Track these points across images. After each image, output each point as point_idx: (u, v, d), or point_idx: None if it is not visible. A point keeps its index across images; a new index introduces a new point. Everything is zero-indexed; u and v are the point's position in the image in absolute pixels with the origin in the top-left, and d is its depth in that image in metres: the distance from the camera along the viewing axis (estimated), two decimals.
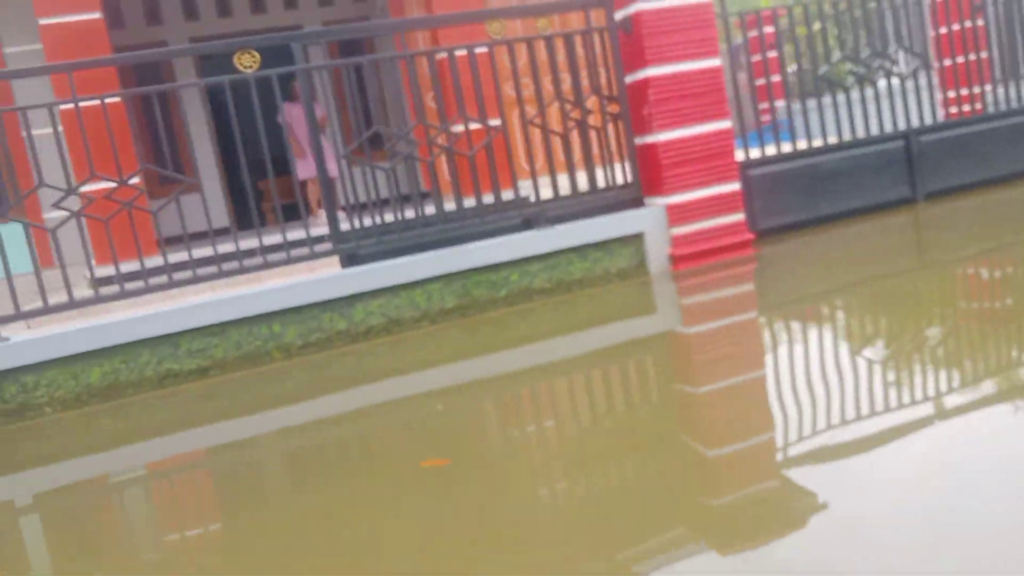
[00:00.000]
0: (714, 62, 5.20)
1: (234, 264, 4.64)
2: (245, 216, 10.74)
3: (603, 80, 5.32)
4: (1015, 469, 2.04)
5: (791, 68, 8.50)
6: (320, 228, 6.45)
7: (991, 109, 6.78)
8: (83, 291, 6.24)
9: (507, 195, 5.39)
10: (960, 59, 6.78)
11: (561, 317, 4.81)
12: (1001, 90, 6.83)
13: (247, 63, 4.34)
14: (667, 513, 2.18)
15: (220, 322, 4.48)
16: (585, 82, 5.32)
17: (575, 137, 5.23)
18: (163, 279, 4.56)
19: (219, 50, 4.46)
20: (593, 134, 5.28)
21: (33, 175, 8.11)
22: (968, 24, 6.88)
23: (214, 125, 10.16)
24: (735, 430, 2.69)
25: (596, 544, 2.07)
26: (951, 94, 7.46)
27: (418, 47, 8.16)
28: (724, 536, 1.98)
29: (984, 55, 7.11)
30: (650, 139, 5.20)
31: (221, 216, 9.94)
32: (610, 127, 5.37)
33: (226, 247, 5.45)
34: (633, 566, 1.92)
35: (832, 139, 6.06)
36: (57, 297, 5.30)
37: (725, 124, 5.28)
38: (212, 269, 4.63)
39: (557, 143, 5.22)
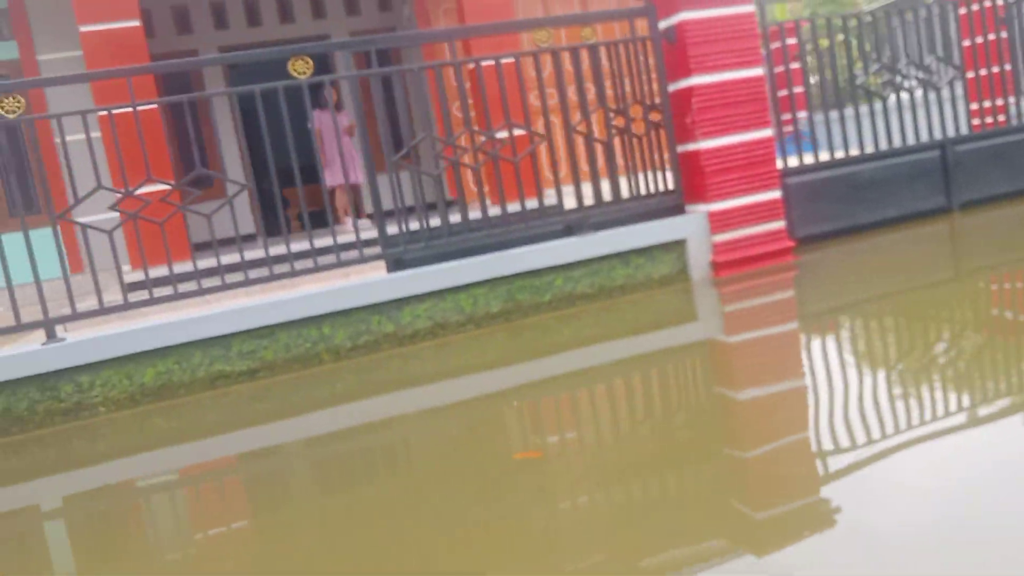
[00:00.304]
0: (757, 71, 5.26)
1: (285, 267, 4.70)
2: (274, 223, 10.85)
3: (645, 88, 5.37)
4: None
5: (813, 79, 8.54)
6: (347, 236, 6.51)
7: (1014, 121, 6.80)
8: (116, 295, 6.31)
9: (550, 201, 5.44)
10: (984, 72, 6.80)
11: (604, 323, 4.85)
12: (1016, 103, 6.86)
13: (301, 69, 4.41)
14: (700, 515, 2.25)
15: (270, 324, 4.54)
16: (627, 90, 5.38)
17: (618, 144, 5.28)
18: (216, 281, 4.62)
19: (274, 57, 4.54)
20: (635, 142, 5.34)
21: (65, 180, 8.20)
22: (993, 37, 6.92)
23: (244, 131, 10.28)
24: (776, 437, 2.73)
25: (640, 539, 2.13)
26: (974, 106, 7.48)
27: (445, 57, 8.24)
28: (754, 540, 2.03)
29: (1008, 67, 7.13)
30: (692, 147, 5.25)
31: (248, 223, 10.04)
32: (652, 135, 5.42)
33: (259, 251, 5.50)
34: (664, 558, 2.00)
35: (869, 148, 6.09)
36: (90, 301, 5.36)
37: (767, 132, 5.33)
38: (263, 271, 4.69)
39: (600, 150, 5.27)
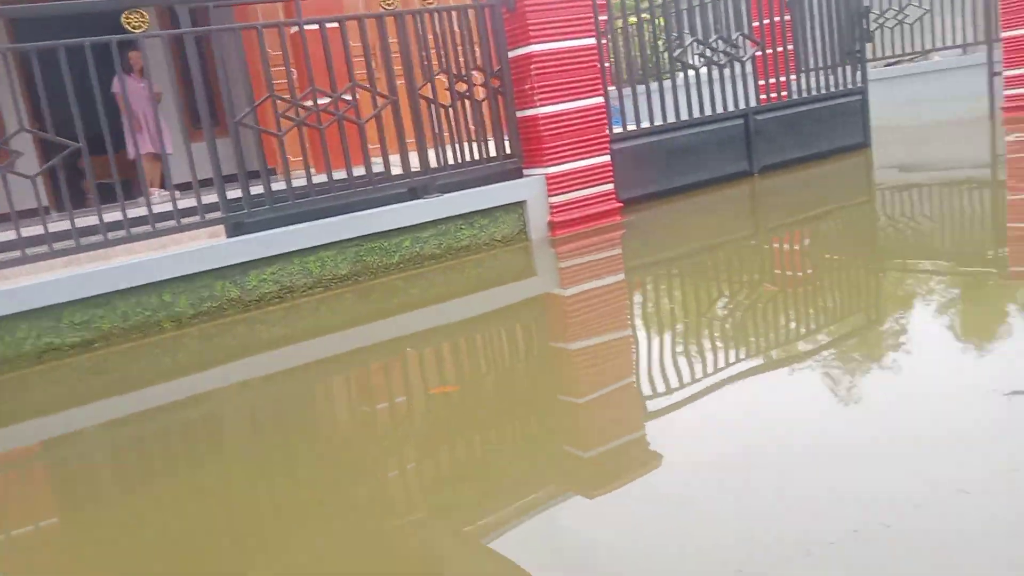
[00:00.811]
0: (590, 40, 5.55)
1: (121, 233, 4.45)
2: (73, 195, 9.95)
3: (483, 55, 5.51)
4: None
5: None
6: (162, 205, 6.20)
7: (799, 95, 7.60)
8: None
9: (395, 166, 5.47)
10: (770, 50, 7.53)
11: (451, 281, 5.00)
12: (806, 79, 7.67)
13: (136, 23, 4.17)
14: (534, 462, 2.39)
15: (106, 292, 4.29)
16: (469, 56, 5.50)
17: (460, 109, 5.40)
18: (43, 248, 4.30)
19: (104, 7, 4.25)
20: (477, 106, 5.48)
21: None
22: (777, 19, 7.66)
23: (28, 96, 9.35)
24: (602, 384, 2.96)
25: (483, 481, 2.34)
26: (761, 82, 8.23)
27: (259, 19, 7.96)
28: (585, 480, 2.19)
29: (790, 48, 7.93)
30: (531, 112, 5.48)
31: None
32: (493, 100, 5.58)
33: (90, 219, 5.14)
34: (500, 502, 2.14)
35: (684, 117, 6.61)
36: None
37: (599, 100, 5.66)
38: (97, 238, 4.41)
39: (443, 115, 5.37)
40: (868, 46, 8.60)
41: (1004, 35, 9.09)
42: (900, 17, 9.59)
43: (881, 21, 9.55)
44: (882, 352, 2.88)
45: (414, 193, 5.27)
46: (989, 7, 9.31)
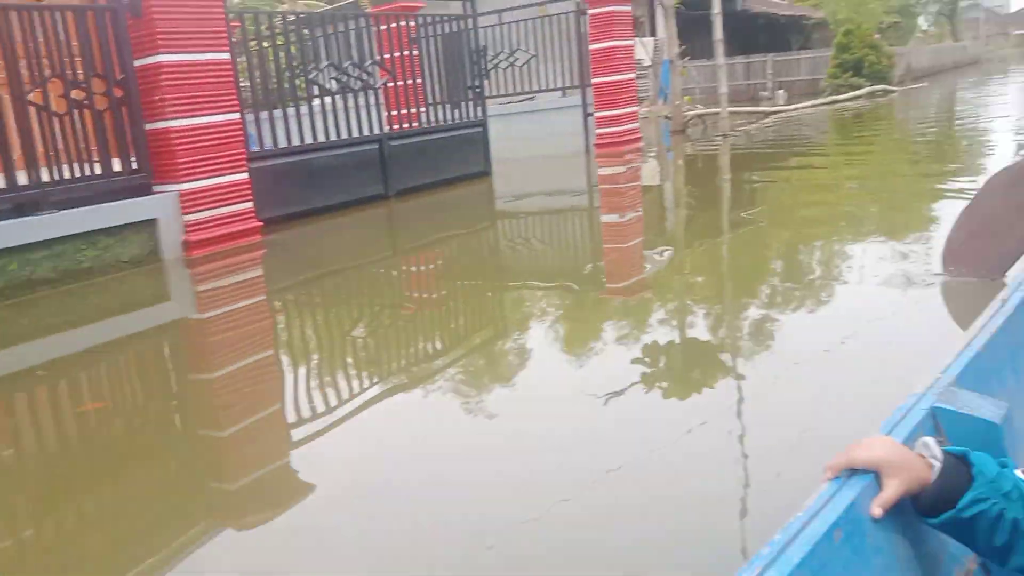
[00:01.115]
0: (224, 55, 5.40)
1: None
2: None
3: (104, 62, 5.08)
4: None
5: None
6: None
7: (428, 124, 8.12)
8: None
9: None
10: (401, 82, 7.96)
11: (69, 309, 4.54)
12: (434, 110, 8.20)
13: None
14: (175, 501, 2.27)
15: None
16: (89, 62, 5.03)
17: (79, 119, 4.93)
18: None
19: None
20: (99, 117, 5.03)
21: None
22: (406, 53, 8.13)
23: None
24: (243, 415, 2.88)
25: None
26: (394, 112, 8.63)
27: None
28: (230, 511, 2.20)
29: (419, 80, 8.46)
30: (162, 125, 5.18)
31: None
32: (117, 112, 5.16)
33: None
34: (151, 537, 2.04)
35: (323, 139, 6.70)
36: None
37: (235, 116, 5.52)
38: None
39: (57, 124, 4.86)
40: (486, 83, 9.44)
41: (594, 81, 10.61)
42: (511, 59, 10.66)
43: (496, 62, 10.54)
44: (505, 364, 3.24)
45: (21, 210, 4.68)
46: (583, 57, 10.76)
